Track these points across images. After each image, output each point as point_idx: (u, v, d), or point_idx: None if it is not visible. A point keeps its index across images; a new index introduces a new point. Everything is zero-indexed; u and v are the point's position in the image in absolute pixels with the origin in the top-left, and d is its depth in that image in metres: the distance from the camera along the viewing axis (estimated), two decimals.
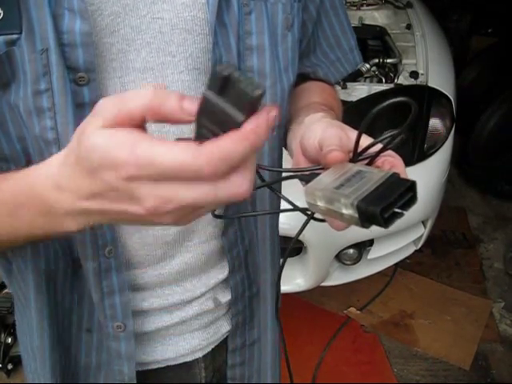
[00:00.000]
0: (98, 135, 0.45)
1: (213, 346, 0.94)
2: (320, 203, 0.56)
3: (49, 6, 0.61)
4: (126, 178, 0.45)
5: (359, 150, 0.59)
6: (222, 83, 0.42)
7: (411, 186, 0.53)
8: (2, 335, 2.27)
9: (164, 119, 0.46)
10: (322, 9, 0.87)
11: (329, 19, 0.90)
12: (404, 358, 2.46)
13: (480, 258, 3.03)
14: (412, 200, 0.53)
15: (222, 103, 0.42)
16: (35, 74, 0.62)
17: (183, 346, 0.90)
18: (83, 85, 0.65)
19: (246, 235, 0.88)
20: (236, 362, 0.97)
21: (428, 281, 2.83)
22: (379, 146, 0.58)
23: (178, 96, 0.45)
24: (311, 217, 0.64)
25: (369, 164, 0.60)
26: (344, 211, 0.53)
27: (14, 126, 0.67)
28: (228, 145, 0.42)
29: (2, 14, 0.60)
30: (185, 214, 0.47)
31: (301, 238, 2.00)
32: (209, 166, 0.42)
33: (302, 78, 0.92)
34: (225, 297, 0.91)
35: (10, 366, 2.29)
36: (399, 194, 0.52)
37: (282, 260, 0.73)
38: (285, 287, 2.15)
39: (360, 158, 0.59)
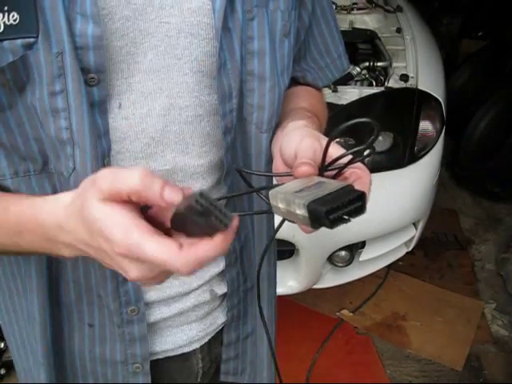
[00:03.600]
0: (98, 210, 0.54)
1: (209, 337, 0.96)
2: (281, 205, 0.61)
3: (63, 10, 0.63)
4: (118, 253, 0.54)
5: (330, 160, 0.63)
6: (201, 210, 0.51)
7: (360, 196, 0.58)
8: None
9: (146, 202, 0.54)
10: (313, 17, 0.90)
11: (319, 27, 0.93)
12: (397, 359, 2.46)
13: (472, 259, 3.04)
14: (360, 209, 0.58)
15: (199, 219, 0.51)
16: (51, 76, 0.65)
17: (181, 337, 0.93)
18: (93, 85, 0.68)
19: (242, 231, 0.91)
20: (230, 356, 1.00)
21: (420, 282, 2.84)
22: (346, 159, 0.63)
23: (161, 184, 0.52)
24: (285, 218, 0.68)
25: (337, 175, 0.65)
26: (298, 211, 0.58)
27: (31, 127, 0.70)
28: (202, 252, 0.52)
29: (18, 19, 0.62)
30: (162, 280, 0.59)
31: (292, 240, 2.01)
32: (186, 268, 0.52)
33: (291, 81, 0.94)
34: (221, 289, 0.94)
35: (2, 371, 2.29)
36: (347, 200, 0.57)
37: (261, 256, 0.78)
38: (277, 289, 2.15)
39: (329, 168, 0.64)
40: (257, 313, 1.00)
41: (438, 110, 2.30)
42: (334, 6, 2.66)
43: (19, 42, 0.63)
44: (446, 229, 3.20)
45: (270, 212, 0.68)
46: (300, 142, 0.67)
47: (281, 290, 2.18)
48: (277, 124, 0.86)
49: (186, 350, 0.94)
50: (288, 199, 0.60)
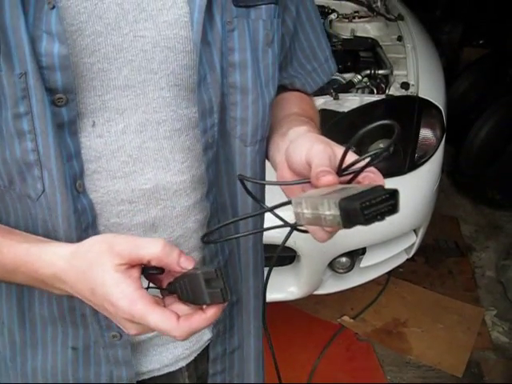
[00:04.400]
0: (110, 276, 0.61)
1: (195, 355, 0.94)
2: (306, 210, 0.60)
3: (26, 30, 0.61)
4: (122, 317, 0.62)
5: (344, 165, 0.62)
6: (209, 277, 0.63)
7: (393, 194, 0.57)
8: None
9: (164, 267, 0.65)
10: (298, 21, 0.88)
11: (305, 31, 0.91)
12: (397, 365, 2.47)
13: (472, 266, 3.05)
14: (393, 208, 0.57)
15: (203, 287, 0.63)
16: (14, 98, 0.64)
17: (167, 356, 0.90)
18: (62, 105, 0.67)
19: (227, 246, 0.89)
20: (217, 371, 0.97)
21: (421, 289, 2.85)
22: (363, 162, 0.61)
23: (178, 253, 0.63)
24: (294, 228, 0.68)
25: (352, 179, 0.63)
26: (327, 212, 0.57)
27: (2, 149, 0.68)
28: (195, 324, 0.63)
29: None
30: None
31: (294, 246, 2.02)
32: (182, 337, 0.62)
33: (280, 89, 0.92)
34: None
35: None
36: (380, 198, 0.56)
37: (268, 268, 0.76)
38: (278, 295, 2.17)
39: (344, 173, 0.63)
40: (243, 327, 0.98)
41: (439, 118, 2.32)
42: (336, 15, 2.69)
43: None
44: (446, 236, 3.21)
45: (287, 225, 0.67)
46: (311, 148, 0.65)
47: (282, 296, 2.19)
48: (270, 132, 0.85)
49: (172, 368, 0.92)
50: (315, 202, 0.59)
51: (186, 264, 0.64)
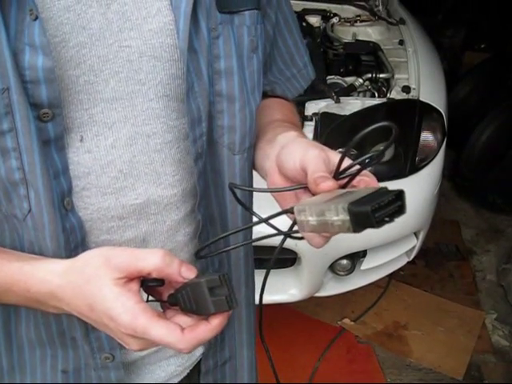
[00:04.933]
0: (110, 291, 0.59)
1: (188, 371, 0.93)
2: (311, 218, 0.58)
3: (8, 44, 0.59)
4: (124, 333, 0.60)
5: (347, 166, 0.61)
6: (213, 285, 0.61)
7: (399, 195, 0.57)
8: None
9: (165, 278, 0.62)
10: (276, 27, 0.87)
11: (283, 37, 0.90)
12: (397, 368, 2.47)
13: (473, 270, 3.05)
14: (401, 209, 0.57)
15: (207, 296, 0.60)
16: None
17: (159, 374, 0.89)
18: (47, 121, 0.64)
19: (217, 258, 0.87)
20: (208, 382, 0.95)
21: (421, 292, 2.85)
22: (357, 166, 0.61)
23: (178, 263, 0.61)
24: (287, 236, 0.67)
25: (348, 183, 0.63)
26: (335, 218, 0.55)
27: None
28: (201, 335, 0.60)
29: None
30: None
31: (295, 248, 2.03)
32: (187, 349, 0.60)
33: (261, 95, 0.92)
34: None
35: None
36: (388, 199, 0.56)
37: (265, 271, 0.74)
38: (279, 297, 2.18)
39: (340, 177, 0.62)
40: (234, 338, 0.96)
41: (440, 121, 2.33)
42: (338, 19, 2.70)
43: None
44: (447, 239, 3.21)
45: (280, 234, 0.66)
46: (305, 153, 0.64)
47: (282, 297, 2.20)
48: (255, 141, 0.83)
49: None
50: (320, 209, 0.57)
51: (188, 273, 0.61)
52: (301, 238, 0.67)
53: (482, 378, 2.45)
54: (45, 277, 0.64)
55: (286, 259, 2.15)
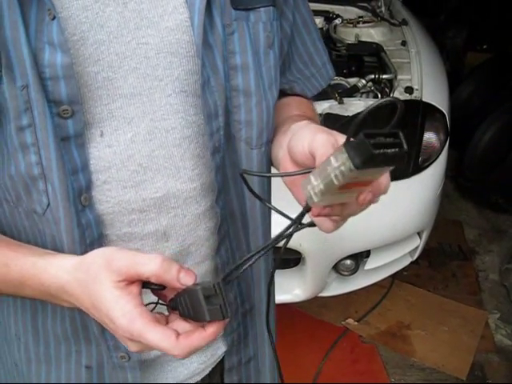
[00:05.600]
0: (110, 294, 0.60)
1: (210, 369, 0.93)
2: (316, 182, 0.57)
3: (27, 43, 0.62)
4: (121, 335, 0.62)
5: None
6: (209, 293, 0.61)
7: (396, 132, 0.54)
8: None
9: (163, 284, 0.62)
10: (294, 27, 0.88)
11: (301, 37, 0.91)
12: (401, 368, 2.48)
13: (476, 269, 3.06)
14: (400, 145, 0.53)
15: (203, 304, 0.61)
16: (17, 110, 0.64)
17: (181, 371, 0.89)
18: (67, 117, 0.66)
19: (238, 253, 0.88)
20: (233, 381, 0.95)
21: (425, 292, 2.86)
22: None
23: (177, 268, 0.61)
24: (299, 223, 0.64)
25: None
26: (336, 164, 0.54)
27: (6, 164, 0.69)
28: (195, 342, 0.61)
29: None
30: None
31: (299, 248, 2.04)
32: (182, 355, 0.60)
33: (280, 93, 0.91)
34: None
35: None
36: (382, 134, 0.53)
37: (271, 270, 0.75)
38: (283, 297, 2.19)
39: None
40: (258, 335, 0.97)
41: (442, 122, 2.34)
42: (340, 20, 2.71)
43: None
44: (450, 239, 3.22)
45: (291, 220, 0.64)
46: (313, 137, 0.63)
47: (286, 298, 2.21)
48: (273, 135, 0.84)
49: None
50: (322, 167, 0.56)
51: (186, 280, 0.61)
52: (312, 225, 0.66)
53: (485, 377, 2.46)
54: (56, 272, 0.66)
55: (290, 259, 2.16)
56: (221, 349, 0.93)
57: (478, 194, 3.50)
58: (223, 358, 0.94)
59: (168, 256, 0.79)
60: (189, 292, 0.62)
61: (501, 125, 3.42)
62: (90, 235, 0.72)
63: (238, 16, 0.75)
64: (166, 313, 0.68)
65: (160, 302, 0.68)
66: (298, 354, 2.45)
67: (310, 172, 0.61)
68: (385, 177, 0.58)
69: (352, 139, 0.54)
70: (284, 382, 0.88)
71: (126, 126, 0.71)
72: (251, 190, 0.71)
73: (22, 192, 0.70)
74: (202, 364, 0.91)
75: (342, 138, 0.62)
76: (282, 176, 0.69)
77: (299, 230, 0.65)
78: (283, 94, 0.93)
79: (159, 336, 0.59)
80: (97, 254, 0.64)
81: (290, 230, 0.65)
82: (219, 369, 0.95)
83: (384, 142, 0.52)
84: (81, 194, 0.70)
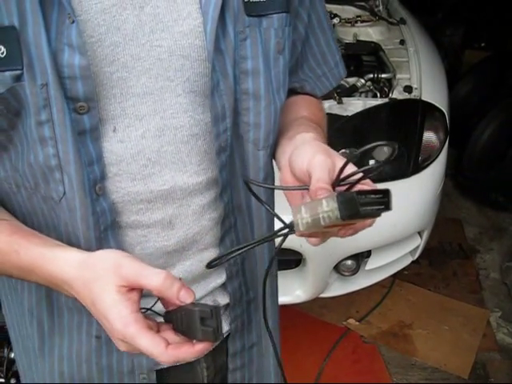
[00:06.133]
0: (111, 297, 0.65)
1: (213, 347, 0.94)
2: (305, 215, 0.63)
3: (48, 44, 0.65)
4: (114, 336, 0.67)
5: (342, 176, 0.65)
6: (205, 316, 0.66)
7: (386, 192, 0.63)
8: (5, 350, 2.28)
9: (163, 298, 0.68)
10: (309, 27, 0.91)
11: (316, 37, 0.93)
12: (403, 367, 2.47)
13: (477, 268, 3.06)
14: (386, 205, 0.62)
15: (198, 324, 0.66)
16: (36, 106, 0.68)
17: None
18: (83, 113, 0.70)
19: (243, 243, 0.89)
20: (237, 366, 1.00)
21: (426, 291, 2.86)
22: (359, 175, 0.64)
23: (178, 287, 0.66)
24: (291, 229, 0.69)
25: (348, 190, 0.66)
26: (326, 209, 0.60)
27: (26, 154, 0.72)
28: (182, 355, 0.66)
29: (5, 52, 0.65)
30: None
31: (300, 249, 2.03)
32: (167, 362, 0.66)
33: (290, 92, 0.94)
34: (224, 299, 0.95)
35: (13, 381, 2.31)
36: (373, 192, 0.62)
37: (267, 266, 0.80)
38: (284, 298, 2.18)
39: (341, 183, 0.66)
40: (261, 323, 1.00)
41: (442, 121, 2.33)
42: (338, 19, 2.71)
43: (7, 74, 0.66)
44: (450, 238, 3.22)
45: (286, 227, 0.69)
46: (312, 157, 0.67)
47: (288, 299, 2.20)
48: (278, 135, 0.87)
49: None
50: (313, 204, 0.62)
51: (185, 298, 0.66)
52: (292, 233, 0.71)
53: (487, 376, 2.46)
54: (63, 267, 0.71)
55: (290, 260, 2.15)
56: (223, 328, 0.96)
57: (478, 192, 3.50)
58: (227, 341, 0.98)
59: (172, 243, 0.84)
60: (186, 311, 0.67)
61: (500, 123, 3.42)
62: (104, 222, 0.77)
63: (251, 22, 0.78)
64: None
65: (153, 309, 0.73)
66: (299, 354, 2.45)
67: (305, 189, 0.68)
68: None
69: (342, 192, 0.62)
70: (283, 365, 0.92)
71: (137, 123, 0.76)
72: (254, 195, 0.76)
73: (40, 180, 0.74)
74: None
75: (339, 160, 0.67)
76: (280, 189, 0.73)
77: (284, 236, 0.72)
78: (293, 92, 0.96)
79: (150, 342, 0.64)
80: (105, 256, 0.69)
81: (272, 237, 0.75)
82: (224, 350, 0.99)
83: (372, 200, 0.61)
84: (96, 184, 0.74)
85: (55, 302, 0.87)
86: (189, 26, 0.74)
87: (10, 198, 0.79)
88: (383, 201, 0.62)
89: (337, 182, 0.65)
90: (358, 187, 0.65)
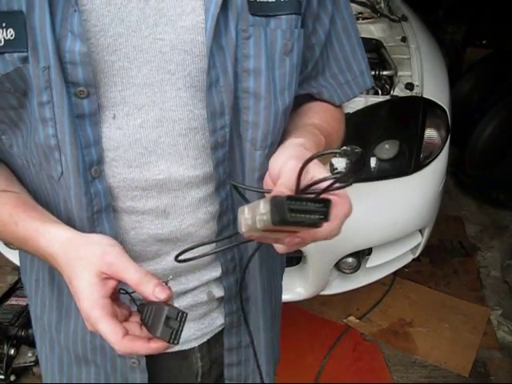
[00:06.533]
0: (88, 277, 0.70)
1: (208, 337, 0.99)
2: (247, 216, 0.62)
3: (52, 30, 0.69)
4: (82, 313, 0.70)
5: (311, 182, 0.64)
6: (171, 316, 0.69)
7: (326, 202, 0.60)
8: (5, 347, 2.28)
9: (140, 294, 0.70)
10: (333, 31, 0.89)
11: (340, 42, 0.91)
12: (403, 365, 2.48)
13: (477, 266, 3.06)
14: (324, 214, 0.59)
15: (162, 321, 0.69)
16: (39, 88, 0.71)
17: None
18: (83, 97, 0.73)
19: (241, 240, 0.88)
20: (233, 362, 1.01)
21: (426, 289, 2.86)
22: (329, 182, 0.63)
23: (155, 283, 0.70)
24: (233, 235, 0.74)
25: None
26: (262, 210, 0.59)
27: (33, 132, 0.75)
28: (136, 347, 0.69)
29: (14, 35, 0.69)
30: None
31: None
32: (120, 352, 0.69)
33: (308, 97, 0.94)
34: (219, 292, 0.95)
35: (12, 378, 2.31)
36: (311, 199, 0.60)
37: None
38: (285, 296, 2.15)
39: (308, 191, 0.64)
40: (254, 322, 1.00)
41: (443, 118, 2.32)
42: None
43: (16, 55, 0.69)
44: (451, 236, 3.22)
45: (235, 233, 0.70)
46: (285, 162, 0.67)
47: (288, 296, 2.20)
48: (283, 138, 0.85)
49: (184, 347, 0.96)
50: (254, 205, 0.61)
51: (160, 294, 0.70)
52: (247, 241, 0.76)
53: (488, 374, 2.46)
54: (51, 241, 0.75)
55: (291, 258, 2.15)
56: (219, 320, 0.98)
57: (479, 190, 3.50)
58: (222, 335, 0.99)
59: (166, 232, 0.85)
60: (157, 306, 0.70)
61: (501, 120, 3.42)
62: (97, 204, 0.79)
63: (256, 22, 0.78)
64: None
65: (131, 294, 0.76)
66: (300, 352, 2.45)
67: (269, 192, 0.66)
68: (327, 227, 0.62)
69: (275, 197, 0.59)
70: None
71: (136, 112, 0.77)
72: (242, 196, 0.77)
73: (42, 158, 0.77)
74: (198, 331, 0.97)
75: (312, 165, 0.65)
76: (262, 192, 0.71)
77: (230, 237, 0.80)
78: (311, 97, 0.95)
79: (109, 329, 0.68)
80: (96, 240, 0.74)
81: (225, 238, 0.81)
82: (220, 342, 1.00)
83: (308, 207, 0.58)
84: (92, 166, 0.77)
85: (56, 276, 0.91)
86: (191, 21, 0.75)
87: (23, 173, 0.84)
88: (322, 210, 0.59)
89: (298, 192, 0.63)
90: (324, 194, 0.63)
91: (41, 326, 0.98)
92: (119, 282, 0.71)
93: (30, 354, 2.30)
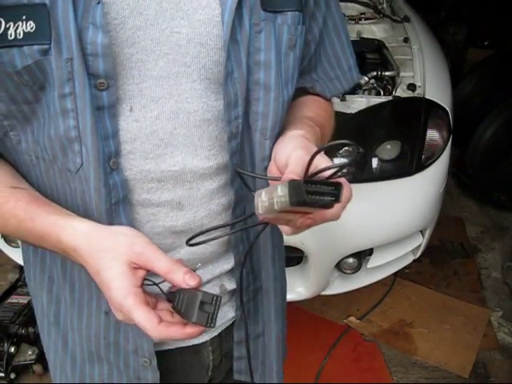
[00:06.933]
0: (119, 267, 0.71)
1: (219, 331, 1.00)
2: (264, 198, 0.68)
3: (75, 21, 0.69)
4: (113, 303, 0.71)
5: (316, 171, 0.68)
6: (206, 301, 0.71)
7: (338, 185, 0.65)
8: (5, 344, 2.28)
9: (170, 282, 0.72)
10: (325, 30, 0.94)
11: (330, 40, 0.96)
12: (404, 366, 2.48)
13: (478, 267, 3.06)
14: (336, 196, 0.65)
15: (196, 307, 0.71)
16: (61, 80, 0.71)
17: None
18: (103, 90, 0.74)
19: (252, 231, 0.94)
20: (242, 355, 1.03)
21: (427, 290, 2.86)
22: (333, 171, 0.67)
23: (185, 271, 0.71)
24: (249, 215, 0.76)
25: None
26: (280, 193, 0.65)
27: (47, 126, 0.76)
28: (171, 333, 0.70)
29: (34, 27, 0.69)
30: None
31: (301, 247, 2.03)
32: (157, 337, 0.71)
33: (301, 91, 0.99)
34: (231, 285, 0.97)
35: (12, 375, 2.31)
36: (325, 182, 0.65)
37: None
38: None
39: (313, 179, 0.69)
40: (269, 313, 1.03)
41: (445, 119, 2.32)
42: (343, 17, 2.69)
43: (35, 48, 0.69)
44: (452, 237, 3.22)
45: (252, 214, 0.73)
46: (292, 152, 0.72)
47: (289, 296, 2.17)
48: (280, 131, 0.89)
49: (196, 341, 0.98)
50: (272, 189, 0.67)
51: (190, 281, 0.71)
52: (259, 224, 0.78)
53: (488, 375, 2.46)
54: (73, 234, 0.75)
55: (292, 258, 2.15)
56: (230, 313, 1.00)
57: (480, 191, 3.50)
58: (233, 328, 1.01)
59: (180, 224, 0.87)
60: (190, 293, 0.72)
61: (502, 121, 3.42)
62: (115, 195, 0.80)
63: (267, 17, 0.81)
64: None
65: (159, 285, 0.77)
66: (300, 352, 2.45)
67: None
68: (334, 209, 0.68)
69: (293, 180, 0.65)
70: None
71: (153, 105, 0.79)
72: (245, 184, 0.82)
73: (58, 152, 0.77)
74: None
75: (318, 158, 0.69)
76: (265, 178, 0.78)
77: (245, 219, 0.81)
78: (304, 91, 1.00)
79: (144, 316, 0.69)
80: (123, 231, 0.75)
81: (240, 220, 0.84)
82: (231, 335, 1.02)
83: (322, 190, 0.64)
84: (110, 158, 0.78)
85: (68, 273, 0.91)
86: (207, 15, 0.78)
87: (30, 171, 0.83)
88: (334, 193, 0.65)
89: (307, 175, 0.68)
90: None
91: (54, 323, 0.98)
92: (148, 271, 0.72)
93: (30, 352, 2.30)
